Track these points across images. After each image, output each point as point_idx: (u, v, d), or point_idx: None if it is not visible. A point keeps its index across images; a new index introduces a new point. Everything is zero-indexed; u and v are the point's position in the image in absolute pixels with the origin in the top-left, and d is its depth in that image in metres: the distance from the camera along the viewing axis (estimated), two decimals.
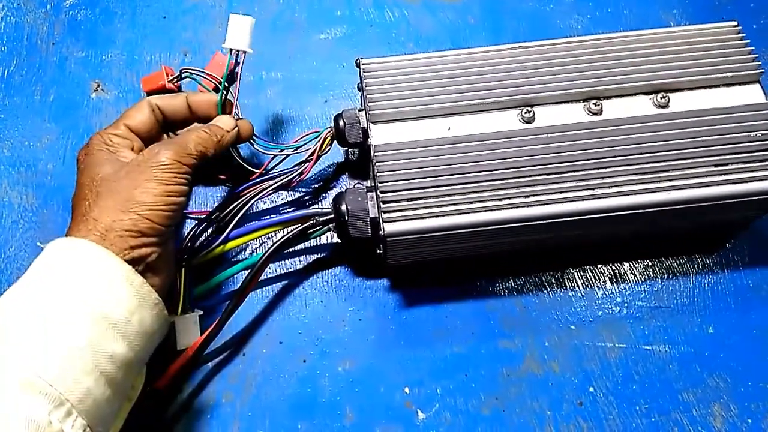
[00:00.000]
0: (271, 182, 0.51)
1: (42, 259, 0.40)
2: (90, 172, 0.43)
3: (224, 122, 0.49)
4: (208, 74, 0.52)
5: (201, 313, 0.49)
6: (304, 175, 0.52)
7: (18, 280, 0.39)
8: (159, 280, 0.43)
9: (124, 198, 0.41)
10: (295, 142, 0.52)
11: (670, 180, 0.46)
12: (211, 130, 0.47)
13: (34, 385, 0.34)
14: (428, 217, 0.45)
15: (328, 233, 0.50)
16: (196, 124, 0.50)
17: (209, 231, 0.51)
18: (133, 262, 0.41)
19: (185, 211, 0.47)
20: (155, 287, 0.42)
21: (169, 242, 0.44)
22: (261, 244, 0.54)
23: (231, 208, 0.50)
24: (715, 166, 0.47)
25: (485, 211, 0.45)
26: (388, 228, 0.45)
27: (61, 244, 0.40)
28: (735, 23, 0.52)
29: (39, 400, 0.34)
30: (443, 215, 0.45)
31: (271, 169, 0.53)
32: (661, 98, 0.49)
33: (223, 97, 0.50)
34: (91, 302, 0.38)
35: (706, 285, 0.54)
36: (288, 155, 0.52)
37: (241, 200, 0.51)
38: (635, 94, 0.49)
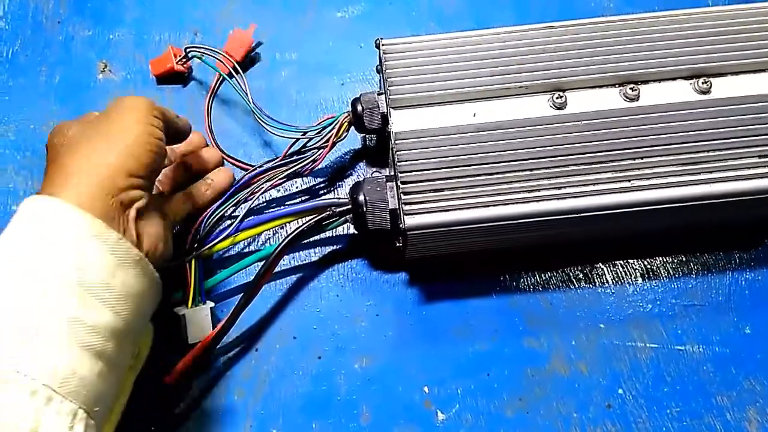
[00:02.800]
0: (283, 169, 0.49)
1: (8, 228, 0.36)
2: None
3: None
4: (223, 54, 0.50)
5: (212, 305, 0.48)
6: (318, 162, 0.49)
7: None
8: (153, 230, 0.40)
9: (105, 138, 0.38)
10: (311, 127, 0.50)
11: (711, 171, 0.43)
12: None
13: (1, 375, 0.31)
14: (452, 210, 0.42)
15: (345, 224, 0.48)
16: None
17: (220, 220, 0.49)
18: (120, 208, 0.37)
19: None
20: (150, 238, 0.39)
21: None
22: (274, 234, 0.52)
23: (241, 196, 0.48)
24: (760, 157, 0.44)
25: (513, 203, 0.42)
26: (409, 221, 0.42)
27: (23, 207, 0.36)
28: None
29: (10, 392, 0.31)
30: (468, 207, 0.42)
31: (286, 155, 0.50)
32: (702, 83, 0.45)
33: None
34: (60, 268, 0.34)
35: (743, 282, 0.51)
36: (301, 140, 0.50)
37: (251, 188, 0.48)
38: (675, 79, 0.46)
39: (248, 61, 0.57)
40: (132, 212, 0.38)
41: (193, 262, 0.46)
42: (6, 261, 0.34)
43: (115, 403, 0.38)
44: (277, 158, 0.50)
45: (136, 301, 0.38)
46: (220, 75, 0.52)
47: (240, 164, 0.52)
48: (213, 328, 0.46)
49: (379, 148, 0.55)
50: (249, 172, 0.49)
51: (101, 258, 0.35)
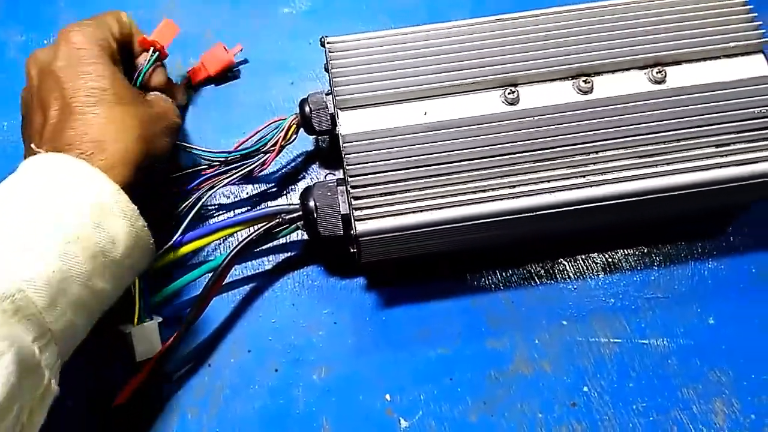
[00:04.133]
0: (227, 175, 0.47)
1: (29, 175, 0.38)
2: None
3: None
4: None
5: (160, 320, 0.45)
6: (265, 166, 0.47)
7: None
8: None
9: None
10: (254, 135, 0.48)
11: (667, 163, 0.42)
12: None
13: (25, 309, 0.33)
14: (405, 213, 0.41)
15: (298, 231, 0.46)
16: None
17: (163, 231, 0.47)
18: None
19: None
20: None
21: None
22: (222, 242, 0.50)
23: (183, 206, 0.46)
24: (716, 146, 0.43)
25: (467, 204, 0.41)
26: (361, 227, 0.41)
27: (42, 162, 0.38)
28: None
29: (27, 327, 0.33)
30: (421, 210, 0.41)
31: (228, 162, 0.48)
32: (657, 73, 0.44)
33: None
34: (89, 237, 0.36)
35: (706, 272, 0.50)
36: (248, 143, 0.48)
37: (196, 195, 0.46)
38: (629, 69, 0.45)
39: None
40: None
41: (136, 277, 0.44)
42: (43, 210, 0.36)
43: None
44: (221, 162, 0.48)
45: (135, 274, 0.41)
46: None
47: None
48: (162, 345, 0.44)
49: (331, 149, 0.53)
50: (196, 176, 0.47)
51: (124, 238, 0.38)
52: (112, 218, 0.37)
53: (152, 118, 0.43)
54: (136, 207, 0.39)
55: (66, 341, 0.36)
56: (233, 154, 0.47)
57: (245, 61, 0.56)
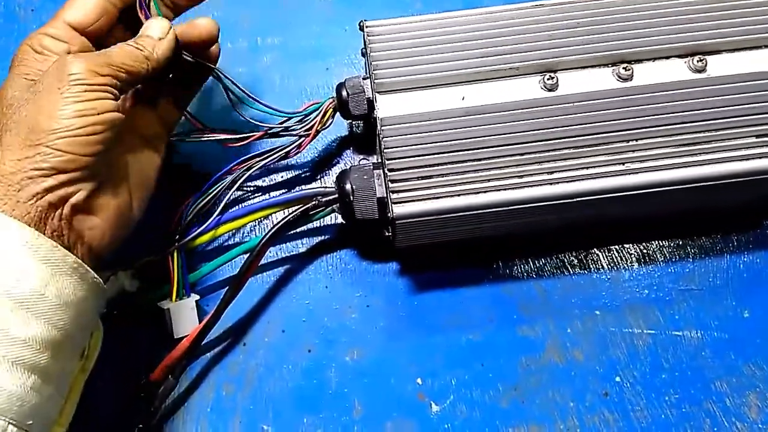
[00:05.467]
0: (264, 157, 0.47)
1: None
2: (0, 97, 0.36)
3: (154, 28, 0.39)
4: None
5: (198, 297, 0.46)
6: (301, 149, 0.48)
7: None
8: (100, 220, 0.36)
9: (27, 128, 0.33)
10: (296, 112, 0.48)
11: (707, 153, 0.42)
12: (138, 42, 0.38)
13: None
14: (441, 197, 0.41)
15: (333, 214, 0.46)
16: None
17: (202, 210, 0.47)
18: (49, 209, 0.33)
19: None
20: (94, 230, 0.35)
21: (114, 170, 0.38)
22: (258, 224, 0.51)
23: (221, 186, 0.47)
24: (757, 137, 0.42)
25: (504, 189, 0.41)
26: (397, 210, 0.41)
27: None
28: None
29: None
30: (458, 195, 0.41)
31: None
32: (697, 61, 0.44)
33: None
34: None
35: (741, 265, 0.50)
36: (285, 126, 0.48)
37: (233, 177, 0.47)
38: (669, 57, 0.45)
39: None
40: (66, 210, 0.34)
41: (175, 254, 0.45)
42: None
43: (58, 410, 0.35)
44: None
45: (75, 307, 0.34)
46: None
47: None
48: (199, 322, 0.45)
49: (366, 134, 0.53)
50: (232, 158, 0.48)
51: (34, 269, 0.32)
52: (13, 256, 0.32)
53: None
54: (33, 229, 0.32)
55: (7, 406, 0.30)
56: (297, 113, 0.47)
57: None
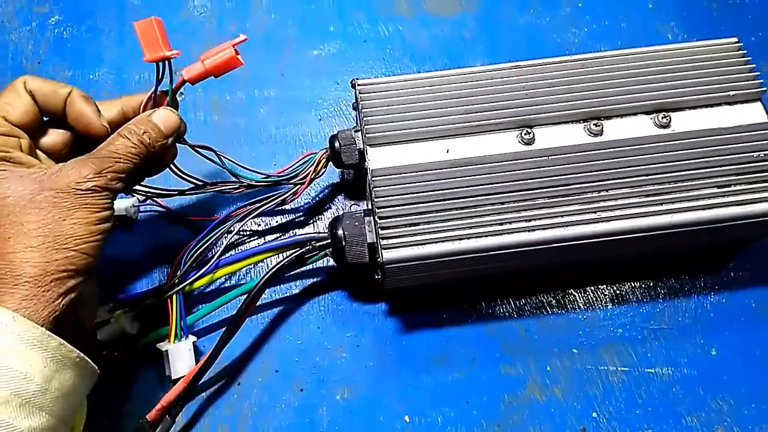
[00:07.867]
0: (261, 204, 0.50)
1: None
2: None
3: (160, 118, 0.42)
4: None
5: (195, 339, 0.48)
6: (296, 196, 0.51)
7: None
8: (92, 305, 0.40)
9: (49, 232, 0.35)
10: (289, 168, 0.51)
11: (672, 202, 0.45)
12: (139, 129, 0.40)
13: None
14: (428, 243, 0.44)
15: (325, 258, 0.49)
16: (122, 128, 0.41)
17: (201, 255, 0.50)
18: (69, 306, 0.36)
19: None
20: (89, 315, 0.38)
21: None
22: (254, 267, 0.53)
23: (219, 231, 0.49)
24: (718, 187, 0.46)
25: (486, 236, 0.44)
26: (387, 254, 0.44)
27: None
28: (736, 39, 0.51)
29: None
30: (443, 241, 0.44)
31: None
32: (662, 118, 0.48)
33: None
34: None
35: (708, 305, 0.53)
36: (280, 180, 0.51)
37: (230, 223, 0.49)
38: (636, 114, 0.48)
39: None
40: (76, 304, 0.36)
41: (174, 297, 0.47)
42: None
43: None
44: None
45: (72, 395, 0.36)
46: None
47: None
48: (196, 363, 0.47)
49: (356, 181, 0.56)
50: (228, 205, 0.50)
51: (42, 367, 0.34)
52: (26, 358, 0.33)
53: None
54: (44, 329, 0.34)
55: None
56: (273, 178, 0.50)
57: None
